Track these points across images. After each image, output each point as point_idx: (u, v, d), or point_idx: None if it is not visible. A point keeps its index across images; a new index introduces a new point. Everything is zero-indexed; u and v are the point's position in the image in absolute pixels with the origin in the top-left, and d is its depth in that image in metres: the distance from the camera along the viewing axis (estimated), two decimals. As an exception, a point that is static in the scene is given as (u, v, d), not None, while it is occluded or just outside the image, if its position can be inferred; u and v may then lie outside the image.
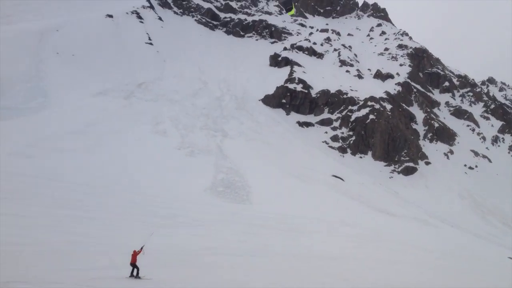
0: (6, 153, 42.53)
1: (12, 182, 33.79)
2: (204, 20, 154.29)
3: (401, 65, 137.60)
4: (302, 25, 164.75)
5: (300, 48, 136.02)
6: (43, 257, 17.88)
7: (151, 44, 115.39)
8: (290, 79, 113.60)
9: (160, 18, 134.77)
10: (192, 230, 30.94)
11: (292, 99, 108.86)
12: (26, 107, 62.76)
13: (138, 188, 42.34)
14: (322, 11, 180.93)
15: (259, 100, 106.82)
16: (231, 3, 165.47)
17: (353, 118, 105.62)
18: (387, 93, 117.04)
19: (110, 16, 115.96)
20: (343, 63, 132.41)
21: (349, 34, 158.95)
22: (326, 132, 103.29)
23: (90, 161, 47.46)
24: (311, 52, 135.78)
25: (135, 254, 17.27)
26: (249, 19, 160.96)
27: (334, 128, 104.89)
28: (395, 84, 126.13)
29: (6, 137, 48.47)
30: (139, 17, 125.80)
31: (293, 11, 20.05)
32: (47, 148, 47.92)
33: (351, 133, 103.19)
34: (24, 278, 14.26)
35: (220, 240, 28.74)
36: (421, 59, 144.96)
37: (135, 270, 17.18)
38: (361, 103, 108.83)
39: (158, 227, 29.77)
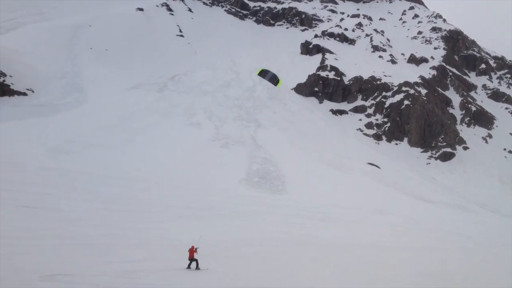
0: (46, 149, 43.47)
1: (52, 177, 34.51)
2: (233, 10, 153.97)
3: (435, 48, 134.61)
4: (333, 11, 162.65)
5: (331, 35, 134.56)
6: (84, 250, 18.16)
7: (182, 36, 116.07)
8: (322, 67, 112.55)
9: (190, 10, 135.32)
10: (229, 221, 31.00)
11: (324, 87, 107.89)
12: (62, 103, 64.00)
13: (175, 181, 42.69)
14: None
15: (292, 89, 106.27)
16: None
17: (387, 104, 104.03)
18: (422, 77, 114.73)
19: (141, 9, 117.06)
20: (375, 48, 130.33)
21: (380, 19, 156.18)
22: (360, 120, 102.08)
23: (127, 155, 48.11)
24: (343, 38, 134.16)
25: (192, 250, 17.63)
26: (279, 7, 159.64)
27: (368, 115, 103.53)
28: (430, 68, 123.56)
29: (45, 133, 49.54)
30: (169, 9, 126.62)
31: (279, 84, 20.64)
32: (85, 144, 48.77)
33: (385, 119, 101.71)
34: (67, 271, 14.49)
35: (258, 231, 28.72)
36: (456, 41, 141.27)
37: (194, 263, 17.59)
38: (395, 88, 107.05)
39: (196, 219, 29.95)
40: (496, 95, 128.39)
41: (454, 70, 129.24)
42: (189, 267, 17.62)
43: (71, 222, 23.18)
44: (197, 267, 17.59)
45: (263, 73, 20.85)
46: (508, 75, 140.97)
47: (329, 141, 79.53)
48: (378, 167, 70.78)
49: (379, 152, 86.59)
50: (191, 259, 17.66)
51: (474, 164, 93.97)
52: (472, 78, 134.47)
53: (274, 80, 20.55)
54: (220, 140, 62.41)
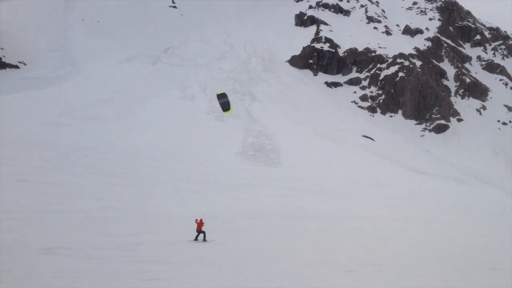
0: (40, 123, 43.19)
1: (47, 151, 34.38)
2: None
3: (430, 19, 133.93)
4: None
5: (325, 6, 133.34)
6: (82, 224, 18.21)
7: (175, 7, 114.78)
8: (317, 39, 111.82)
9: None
10: (225, 195, 31.10)
11: (319, 59, 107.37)
12: (55, 76, 63.45)
13: (170, 154, 42.64)
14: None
15: (286, 61, 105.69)
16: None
17: (382, 76, 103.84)
18: (417, 49, 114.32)
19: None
20: (370, 19, 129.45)
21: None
22: (355, 92, 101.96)
23: (122, 128, 47.91)
24: (337, 9, 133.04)
25: (200, 223, 17.85)
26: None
27: (363, 88, 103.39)
28: (425, 39, 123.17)
29: (38, 106, 49.18)
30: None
31: (230, 111, 20.65)
32: (79, 117, 48.50)
33: (380, 92, 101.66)
34: (66, 244, 14.53)
35: (254, 204, 28.84)
36: (451, 12, 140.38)
37: (201, 235, 17.81)
38: (390, 60, 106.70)
39: (193, 192, 30.02)
40: (491, 67, 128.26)
41: (449, 41, 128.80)
42: (196, 239, 17.82)
43: (69, 196, 23.18)
44: (204, 239, 17.82)
45: (221, 96, 20.81)
46: (503, 46, 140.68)
47: (323, 114, 79.43)
48: (372, 139, 70.93)
49: (374, 125, 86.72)
50: (199, 231, 17.87)
51: (468, 136, 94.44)
52: (467, 49, 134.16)
53: (225, 106, 20.51)
54: (214, 113, 62.15)
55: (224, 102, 20.32)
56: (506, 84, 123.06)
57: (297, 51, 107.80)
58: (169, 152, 43.39)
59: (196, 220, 18.11)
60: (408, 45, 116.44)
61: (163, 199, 26.68)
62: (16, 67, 64.40)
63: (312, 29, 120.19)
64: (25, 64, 65.71)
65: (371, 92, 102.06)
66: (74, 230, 16.95)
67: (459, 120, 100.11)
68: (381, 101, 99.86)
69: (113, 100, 57.59)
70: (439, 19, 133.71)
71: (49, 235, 15.65)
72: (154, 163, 38.30)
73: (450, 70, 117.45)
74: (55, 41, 77.57)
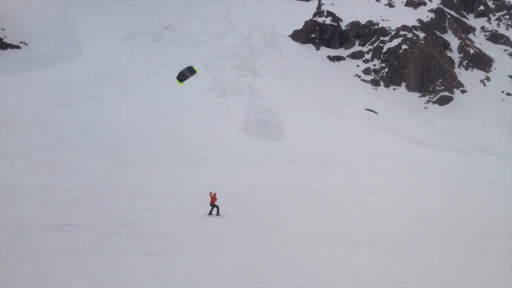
0: (43, 102, 43.26)
1: (51, 130, 34.48)
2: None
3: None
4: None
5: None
6: (87, 201, 18.38)
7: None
8: (319, 13, 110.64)
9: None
10: (230, 170, 31.22)
11: (321, 33, 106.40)
12: (57, 56, 63.21)
13: (174, 131, 42.72)
14: None
15: (288, 36, 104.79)
16: None
17: (385, 49, 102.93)
18: (420, 21, 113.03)
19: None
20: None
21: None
22: (357, 65, 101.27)
23: (125, 106, 47.93)
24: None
25: (214, 197, 18.08)
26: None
27: (366, 61, 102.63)
28: (428, 11, 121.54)
29: (41, 86, 49.17)
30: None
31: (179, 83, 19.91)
32: (82, 96, 48.51)
33: (383, 65, 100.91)
34: (72, 221, 14.70)
35: (259, 178, 28.97)
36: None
37: (215, 209, 18.08)
38: (393, 33, 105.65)
39: (198, 168, 30.15)
40: (495, 37, 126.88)
41: (452, 12, 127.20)
42: (210, 213, 18.08)
43: (74, 174, 23.33)
44: (218, 213, 18.05)
45: (183, 76, 20.12)
46: (507, 16, 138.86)
47: (326, 88, 79.07)
48: (376, 112, 70.72)
49: (377, 98, 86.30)
50: (213, 205, 18.10)
51: (472, 108, 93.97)
52: (471, 20, 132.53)
53: (180, 76, 19.89)
54: (217, 90, 62.04)
55: (183, 73, 19.80)
56: (511, 54, 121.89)
57: (299, 26, 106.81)
58: (172, 129, 43.45)
59: (210, 193, 18.29)
60: (411, 17, 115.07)
61: (166, 175, 26.81)
62: (18, 47, 64.15)
63: (314, 3, 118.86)
64: (26, 44, 65.44)
65: (374, 65, 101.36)
66: (79, 208, 17.11)
67: (463, 91, 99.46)
68: (384, 74, 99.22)
69: (115, 79, 57.46)
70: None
71: (55, 213, 15.81)
72: (157, 140, 38.40)
73: (453, 41, 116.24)
74: (55, 20, 77.07)
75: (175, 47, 78.84)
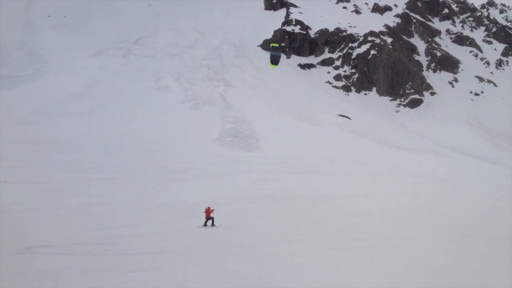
0: (10, 122, 42.21)
1: (21, 150, 33.61)
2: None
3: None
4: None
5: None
6: (62, 220, 17.88)
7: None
8: (287, 21, 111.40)
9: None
10: (207, 182, 30.83)
11: (291, 42, 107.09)
12: (24, 74, 62.08)
13: (148, 145, 42.13)
14: None
15: (258, 46, 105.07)
16: None
17: (354, 55, 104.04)
18: (387, 26, 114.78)
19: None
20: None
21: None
22: (328, 72, 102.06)
23: (96, 122, 47.14)
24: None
25: (209, 211, 18.71)
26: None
27: (336, 67, 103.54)
28: (394, 16, 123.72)
29: (9, 106, 48.07)
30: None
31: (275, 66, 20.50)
32: (52, 114, 47.57)
33: (353, 70, 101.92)
34: (47, 242, 14.23)
35: (237, 189, 28.62)
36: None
37: (210, 221, 18.70)
38: (361, 39, 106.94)
39: (173, 181, 29.71)
40: (460, 39, 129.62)
41: (417, 16, 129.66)
42: (205, 224, 18.56)
43: (48, 193, 22.72)
44: (213, 224, 18.63)
45: (274, 48, 20.46)
46: (471, 19, 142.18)
47: (299, 96, 79.39)
48: (349, 118, 71.17)
49: (349, 103, 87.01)
50: (208, 218, 18.68)
51: (442, 109, 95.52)
52: (436, 23, 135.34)
53: (276, 59, 20.20)
54: (190, 102, 61.63)
55: (275, 55, 19.94)
56: (476, 56, 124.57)
57: (269, 35, 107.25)
58: (147, 143, 42.87)
59: (209, 208, 18.78)
60: (378, 22, 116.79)
61: (141, 190, 26.31)
62: (-17, 67, 62.90)
63: (282, 12, 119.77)
64: (-9, 64, 64.23)
65: (345, 71, 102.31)
66: (54, 228, 16.62)
67: (432, 93, 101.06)
68: (355, 79, 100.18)
69: (86, 95, 56.62)
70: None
71: (29, 234, 15.29)
72: (132, 155, 37.81)
73: (420, 45, 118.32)
74: (21, 38, 75.86)
75: (145, 61, 78.29)
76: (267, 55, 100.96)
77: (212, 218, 18.65)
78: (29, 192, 22.53)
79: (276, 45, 20.26)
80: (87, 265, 11.86)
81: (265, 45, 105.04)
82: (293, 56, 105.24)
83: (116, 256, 13.07)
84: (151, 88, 64.90)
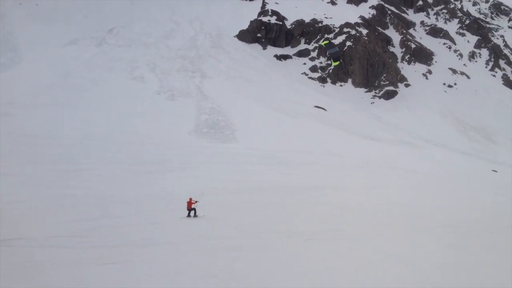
0: (-18, 114, 41.37)
1: (-6, 142, 32.99)
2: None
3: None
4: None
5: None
6: (36, 213, 17.59)
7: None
8: (263, 12, 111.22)
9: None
10: (184, 173, 30.73)
11: (267, 33, 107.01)
12: (-5, 64, 60.77)
13: (122, 137, 41.71)
14: None
15: (234, 37, 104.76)
16: None
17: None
18: (362, 17, 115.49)
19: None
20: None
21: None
22: (304, 63, 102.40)
23: (70, 113, 46.47)
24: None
25: (190, 202, 18.78)
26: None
27: (312, 59, 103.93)
28: (369, 7, 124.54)
29: (-20, 97, 47.06)
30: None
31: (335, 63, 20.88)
32: (25, 104, 46.70)
33: (329, 62, 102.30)
34: (21, 235, 14.00)
35: (215, 180, 28.55)
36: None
37: (192, 212, 18.80)
38: (337, 30, 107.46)
39: (149, 173, 29.52)
40: (434, 31, 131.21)
41: (392, 8, 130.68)
42: (188, 215, 18.68)
43: (21, 186, 22.37)
44: (195, 215, 18.75)
45: (329, 46, 20.62)
46: (445, 11, 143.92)
47: (275, 87, 79.42)
48: (325, 109, 71.54)
49: (325, 95, 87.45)
50: (190, 209, 18.74)
51: (416, 101, 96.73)
52: (411, 15, 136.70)
53: (337, 55, 20.51)
54: (165, 92, 61.15)
55: (334, 52, 20.05)
56: (450, 48, 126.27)
57: (245, 26, 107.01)
58: (121, 134, 42.44)
59: (191, 199, 18.87)
60: (353, 14, 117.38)
61: (117, 182, 26.11)
62: (-48, 57, 61.40)
63: (258, 2, 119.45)
64: (-39, 53, 62.75)
65: (321, 62, 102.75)
66: (28, 220, 16.36)
67: (407, 85, 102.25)
68: (330, 71, 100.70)
69: (60, 86, 55.69)
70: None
71: (1, 227, 15.02)
72: (106, 146, 37.41)
73: (395, 36, 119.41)
74: (-8, 27, 74.24)
75: (120, 51, 77.33)
76: (243, 45, 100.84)
77: (194, 210, 18.71)
78: (2, 184, 22.15)
79: (326, 42, 20.31)
80: (60, 258, 11.74)
81: (241, 35, 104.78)
82: (269, 47, 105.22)
83: (90, 249, 12.96)
84: (126, 79, 64.19)
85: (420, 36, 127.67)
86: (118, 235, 15.12)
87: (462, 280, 11.10)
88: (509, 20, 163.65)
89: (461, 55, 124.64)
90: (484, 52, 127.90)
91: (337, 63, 19.56)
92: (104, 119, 46.59)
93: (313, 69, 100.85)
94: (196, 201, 18.91)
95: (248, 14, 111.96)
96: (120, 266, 11.20)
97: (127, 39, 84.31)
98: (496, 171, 52.65)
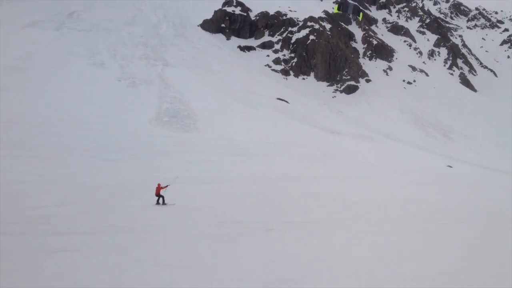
0: None
1: None
2: None
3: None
4: None
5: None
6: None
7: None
8: (228, 2, 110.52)
9: None
10: (144, 162, 30.33)
11: (231, 23, 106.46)
12: (-51, 45, 58.40)
13: (81, 123, 40.78)
14: None
15: (198, 26, 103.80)
16: None
17: (293, 39, 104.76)
18: (326, 12, 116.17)
19: None
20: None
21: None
22: (268, 55, 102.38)
23: (28, 98, 45.05)
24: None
25: (159, 187, 18.64)
26: None
27: (276, 51, 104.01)
28: (333, 2, 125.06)
29: None
30: None
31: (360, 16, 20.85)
32: (-21, 88, 45.04)
33: (292, 55, 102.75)
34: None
35: (176, 169, 28.23)
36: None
37: (161, 199, 18.66)
38: (300, 24, 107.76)
39: (108, 161, 29.01)
40: (396, 29, 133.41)
41: (356, 4, 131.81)
42: (157, 203, 18.58)
43: (-28, 171, 21.59)
44: (164, 203, 18.60)
45: (344, 8, 20.59)
46: (406, 9, 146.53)
47: (238, 78, 79.13)
48: (287, 102, 71.75)
49: (288, 87, 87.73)
50: (158, 195, 18.61)
51: (377, 96, 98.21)
52: (373, 12, 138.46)
53: (356, 10, 20.43)
54: (126, 79, 60.03)
55: (353, 7, 19.99)
56: (410, 45, 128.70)
57: (209, 15, 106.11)
58: (80, 121, 41.48)
59: (159, 184, 18.82)
60: (317, 8, 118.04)
61: (75, 169, 25.54)
62: None
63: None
64: None
65: (284, 55, 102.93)
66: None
67: (368, 80, 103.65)
68: (293, 64, 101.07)
69: (17, 69, 53.89)
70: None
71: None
72: (65, 133, 36.52)
73: (358, 32, 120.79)
74: None
75: (80, 35, 75.46)
76: (207, 35, 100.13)
77: (163, 197, 18.60)
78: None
79: (336, 7, 20.39)
80: (15, 246, 11.37)
81: (205, 25, 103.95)
82: (233, 38, 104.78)
83: (45, 236, 12.63)
84: (86, 64, 62.67)
85: (382, 33, 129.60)
86: (74, 222, 14.82)
87: (392, 269, 11.22)
88: (467, 21, 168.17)
89: (420, 53, 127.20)
90: (443, 51, 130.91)
91: (361, 15, 19.88)
92: (63, 105, 45.42)
93: (276, 61, 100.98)
94: (167, 185, 18.82)
95: (212, 4, 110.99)
96: (70, 254, 10.92)
97: (88, 24, 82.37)
98: (451, 167, 54.02)
